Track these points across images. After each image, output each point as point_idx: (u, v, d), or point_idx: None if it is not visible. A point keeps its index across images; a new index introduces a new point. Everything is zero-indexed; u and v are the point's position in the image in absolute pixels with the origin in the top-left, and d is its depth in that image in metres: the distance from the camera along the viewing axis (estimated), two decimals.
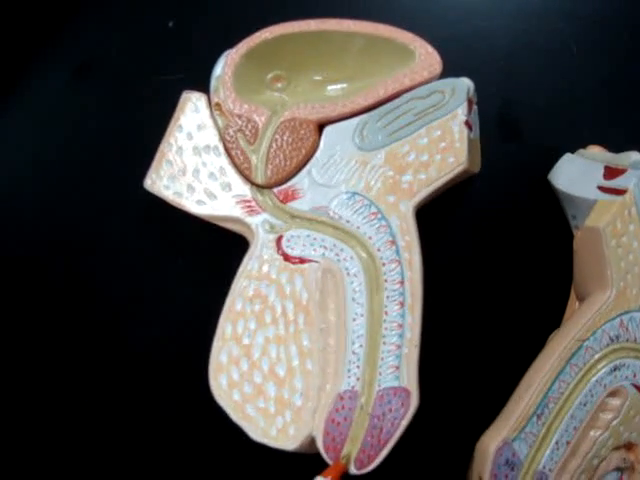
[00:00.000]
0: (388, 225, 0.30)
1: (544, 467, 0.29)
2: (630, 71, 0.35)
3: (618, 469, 0.30)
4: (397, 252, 0.30)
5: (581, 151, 0.34)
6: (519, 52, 0.35)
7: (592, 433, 0.30)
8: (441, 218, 0.34)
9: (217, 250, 0.34)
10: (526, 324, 0.33)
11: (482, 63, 0.35)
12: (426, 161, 0.30)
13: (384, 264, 0.30)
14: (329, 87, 0.32)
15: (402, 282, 0.29)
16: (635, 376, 0.30)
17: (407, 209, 0.30)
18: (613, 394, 0.30)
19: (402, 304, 0.29)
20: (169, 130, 0.32)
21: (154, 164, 0.32)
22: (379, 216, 0.30)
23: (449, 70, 0.31)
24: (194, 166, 0.32)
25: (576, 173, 0.32)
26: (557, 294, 0.33)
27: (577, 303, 0.32)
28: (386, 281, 0.29)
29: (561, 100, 0.35)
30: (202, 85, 0.32)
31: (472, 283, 0.34)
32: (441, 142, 0.30)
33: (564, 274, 0.33)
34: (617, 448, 0.30)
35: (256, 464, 0.32)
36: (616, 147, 0.32)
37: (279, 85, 0.32)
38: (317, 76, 0.32)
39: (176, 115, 0.32)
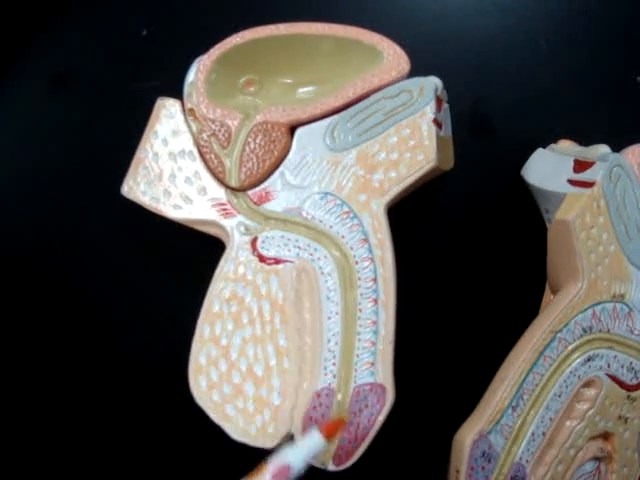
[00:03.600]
0: (360, 224, 0.30)
1: (521, 458, 0.29)
2: (598, 67, 0.36)
3: (595, 459, 0.30)
4: (369, 250, 0.30)
5: (552, 146, 0.34)
6: (489, 50, 0.36)
7: (568, 423, 0.30)
8: (416, 215, 0.34)
9: (194, 253, 0.34)
10: (502, 318, 0.33)
11: (452, 62, 0.35)
12: (396, 159, 0.30)
13: (357, 262, 0.30)
14: (300, 90, 0.33)
15: (375, 279, 0.30)
16: (609, 366, 0.30)
17: (378, 207, 0.30)
18: (588, 384, 0.30)
19: (375, 301, 0.30)
20: (145, 136, 0.32)
21: (131, 170, 0.32)
22: (351, 215, 0.30)
23: (420, 70, 0.31)
24: (170, 171, 0.32)
25: (547, 167, 0.33)
26: (533, 287, 0.33)
27: (552, 296, 0.32)
28: (359, 279, 0.30)
29: (532, 96, 0.36)
30: (177, 92, 0.32)
31: (447, 278, 0.34)
32: (410, 140, 0.30)
33: (539, 267, 0.33)
34: (594, 438, 0.30)
35: (238, 462, 0.33)
36: (587, 141, 0.33)
37: (251, 89, 0.33)
38: (288, 79, 0.33)
39: (151, 122, 0.32)
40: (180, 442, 0.34)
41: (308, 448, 0.28)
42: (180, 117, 0.32)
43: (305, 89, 0.33)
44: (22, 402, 0.35)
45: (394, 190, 0.30)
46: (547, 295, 0.33)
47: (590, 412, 0.30)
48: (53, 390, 0.35)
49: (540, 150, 0.34)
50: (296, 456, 0.27)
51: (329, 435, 0.28)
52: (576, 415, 0.30)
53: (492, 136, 0.35)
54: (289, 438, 0.30)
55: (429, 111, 0.30)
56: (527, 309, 0.32)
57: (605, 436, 0.31)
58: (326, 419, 0.29)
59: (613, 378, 0.30)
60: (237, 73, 0.32)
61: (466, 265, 0.34)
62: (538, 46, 0.36)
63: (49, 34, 0.37)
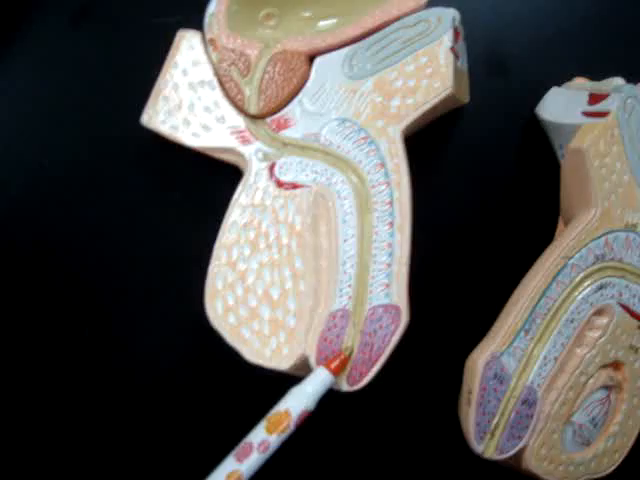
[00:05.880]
0: (377, 149, 0.31)
1: (532, 382, 0.29)
2: (614, 6, 0.36)
3: (606, 387, 0.31)
4: (386, 174, 0.30)
5: (567, 84, 0.34)
6: None
7: (579, 351, 0.30)
8: (432, 147, 0.35)
9: (212, 182, 0.34)
10: (516, 247, 0.34)
11: (469, 3, 0.36)
12: (413, 86, 0.31)
13: (373, 186, 0.30)
14: (320, 23, 0.33)
15: (391, 203, 0.30)
16: (621, 295, 0.30)
17: (395, 133, 0.31)
18: (600, 313, 0.30)
19: (391, 224, 0.30)
20: (165, 67, 0.33)
21: (151, 100, 0.33)
22: (368, 140, 0.31)
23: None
24: (189, 101, 0.32)
25: (562, 103, 0.33)
26: (545, 223, 0.34)
27: None
28: (376, 203, 0.30)
29: (548, 36, 0.36)
30: (197, 27, 0.33)
31: (464, 207, 0.35)
32: (427, 68, 0.31)
33: (552, 204, 0.33)
34: (604, 366, 0.31)
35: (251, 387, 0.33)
36: (602, 79, 0.33)
37: (271, 23, 0.33)
38: (307, 12, 0.33)
39: (171, 53, 0.33)
40: (194, 366, 0.34)
41: (319, 388, 0.28)
42: (200, 48, 0.33)
43: (325, 22, 0.33)
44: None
45: (411, 116, 0.31)
46: (560, 231, 0.33)
47: (601, 340, 0.30)
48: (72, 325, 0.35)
49: (555, 88, 0.34)
50: (309, 398, 0.28)
51: (336, 371, 0.29)
52: (587, 342, 0.30)
53: (508, 76, 0.36)
54: (303, 359, 0.30)
55: (446, 40, 0.31)
56: (539, 242, 0.33)
57: (616, 365, 0.31)
58: (334, 353, 0.29)
59: (625, 307, 0.31)
60: (257, 5, 0.33)
61: (481, 194, 0.35)
62: None
63: None
